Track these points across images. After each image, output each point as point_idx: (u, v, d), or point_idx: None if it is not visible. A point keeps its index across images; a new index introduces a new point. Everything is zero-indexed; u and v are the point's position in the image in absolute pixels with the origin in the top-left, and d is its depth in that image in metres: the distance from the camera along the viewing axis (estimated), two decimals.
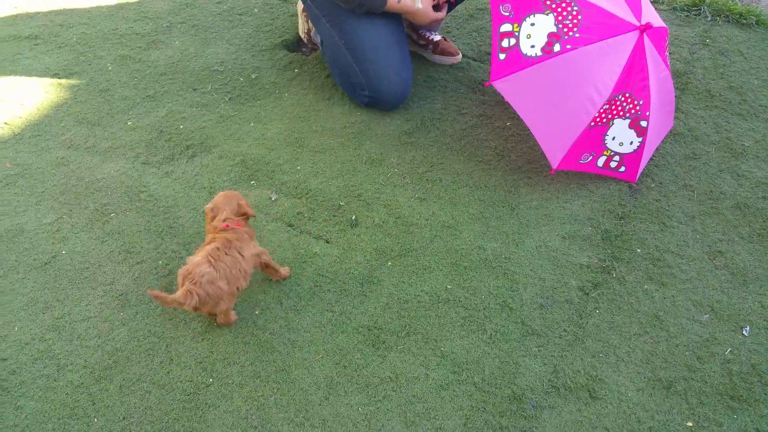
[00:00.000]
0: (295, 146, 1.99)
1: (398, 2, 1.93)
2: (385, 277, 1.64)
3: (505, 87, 1.74)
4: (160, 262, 1.64)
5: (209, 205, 1.47)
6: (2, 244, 1.66)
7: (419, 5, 1.97)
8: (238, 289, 1.42)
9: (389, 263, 1.68)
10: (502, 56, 1.74)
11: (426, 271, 1.66)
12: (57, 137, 1.95)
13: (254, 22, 2.46)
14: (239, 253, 1.41)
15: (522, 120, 1.78)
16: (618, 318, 1.57)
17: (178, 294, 1.32)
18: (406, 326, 1.53)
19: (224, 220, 1.43)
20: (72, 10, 2.43)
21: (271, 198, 1.83)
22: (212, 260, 1.36)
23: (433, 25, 2.24)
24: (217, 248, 1.39)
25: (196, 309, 1.37)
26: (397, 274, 1.65)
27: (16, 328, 1.50)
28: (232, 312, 1.49)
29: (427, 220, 1.79)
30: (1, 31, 2.31)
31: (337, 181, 1.89)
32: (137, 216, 1.75)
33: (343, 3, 1.92)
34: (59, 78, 2.15)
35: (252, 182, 1.87)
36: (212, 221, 1.44)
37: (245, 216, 1.50)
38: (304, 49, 2.34)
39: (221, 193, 1.50)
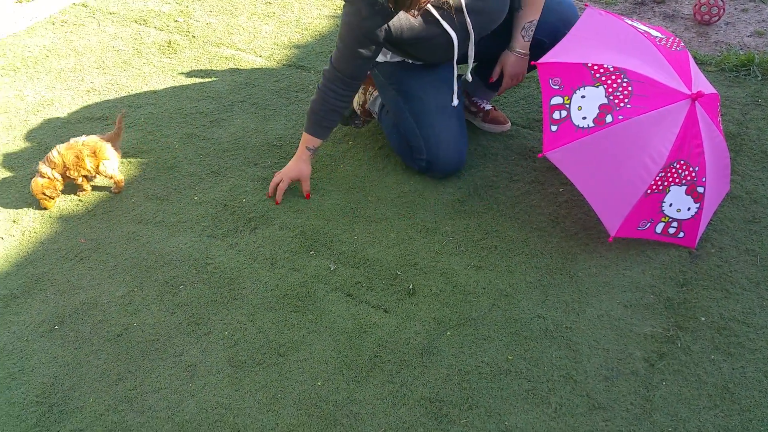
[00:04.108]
0: (351, 216, 2.09)
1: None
2: (444, 347, 1.69)
3: (559, 157, 1.81)
4: (226, 332, 1.73)
5: None
6: (78, 316, 1.79)
7: None
8: None
9: (448, 333, 1.72)
10: (554, 128, 1.83)
11: (486, 341, 1.69)
12: (128, 213, 2.10)
13: (310, 99, 2.62)
14: None
15: (576, 187, 1.84)
16: (686, 390, 1.56)
17: None
18: (468, 399, 1.56)
19: None
20: (139, 93, 2.65)
21: (329, 268, 1.92)
22: None
23: (488, 94, 2.36)
24: None
25: None
26: (456, 344, 1.69)
27: (91, 399, 1.59)
28: None
29: (484, 288, 1.84)
30: (76, 113, 2.54)
31: (393, 250, 1.97)
32: (204, 287, 1.86)
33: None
34: (129, 156, 2.33)
35: (311, 252, 1.97)
36: None
37: None
38: (357, 122, 2.48)
39: None
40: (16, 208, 2.13)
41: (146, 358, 1.68)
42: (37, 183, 2.05)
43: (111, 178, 2.15)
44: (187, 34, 3.01)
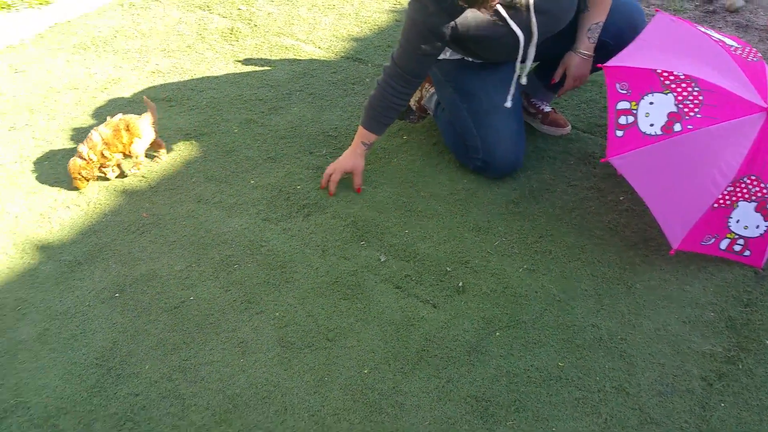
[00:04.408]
0: (403, 210, 2.11)
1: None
2: (493, 347, 1.69)
3: (623, 164, 1.79)
4: (277, 313, 1.77)
5: None
6: (137, 286, 1.85)
7: None
8: None
9: (497, 333, 1.72)
10: (619, 133, 1.81)
11: (536, 346, 1.69)
12: (188, 191, 2.17)
13: (366, 92, 2.66)
14: None
15: (637, 196, 1.81)
16: (746, 414, 1.52)
17: None
18: (515, 401, 1.56)
19: None
20: (202, 77, 2.73)
21: (380, 259, 1.94)
22: None
23: (547, 95, 2.35)
24: None
25: None
26: (505, 346, 1.69)
27: (147, 366, 1.65)
28: None
29: (536, 292, 1.83)
30: (141, 93, 2.63)
31: (444, 247, 1.98)
32: (258, 269, 1.90)
33: None
34: (190, 138, 2.40)
35: (362, 242, 2.00)
36: None
37: None
38: (411, 117, 2.49)
39: None
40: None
41: (201, 331, 1.73)
42: (75, 163, 2.10)
43: (136, 156, 2.18)
44: (249, 22, 3.08)
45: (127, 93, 2.63)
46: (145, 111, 2.23)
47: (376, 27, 3.04)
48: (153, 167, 2.27)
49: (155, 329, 1.74)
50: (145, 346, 1.70)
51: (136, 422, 1.53)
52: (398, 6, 3.19)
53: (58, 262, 1.94)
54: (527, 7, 1.87)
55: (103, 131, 2.13)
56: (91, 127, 2.46)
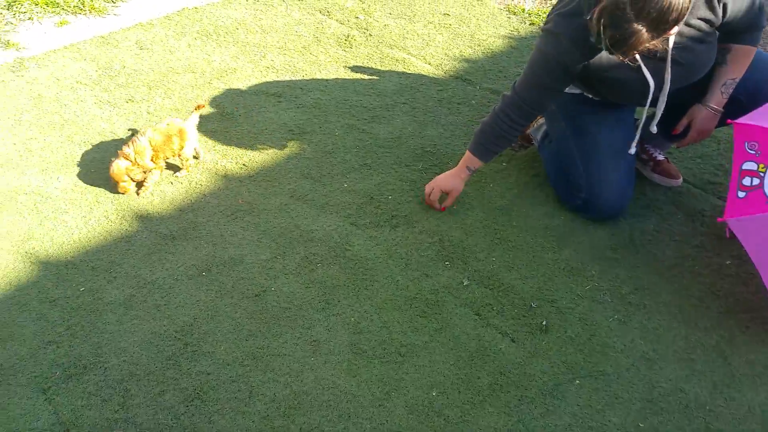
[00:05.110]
0: (492, 237, 2.09)
1: None
2: (571, 395, 1.63)
3: (741, 226, 1.69)
4: (353, 319, 1.79)
5: None
6: (223, 269, 1.92)
7: None
8: None
9: (577, 381, 1.66)
10: (741, 194, 1.71)
11: (617, 401, 1.61)
12: (284, 185, 2.24)
13: (470, 113, 2.66)
14: None
15: (747, 263, 1.71)
16: None
17: None
18: None
19: None
20: (312, 78, 2.82)
21: (463, 282, 1.92)
22: None
23: (663, 144, 2.27)
24: None
25: None
26: (584, 396, 1.62)
27: (222, 348, 1.71)
28: None
29: (624, 345, 1.75)
30: (254, 86, 2.75)
31: (531, 282, 1.93)
32: (339, 271, 1.93)
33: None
34: (293, 134, 2.49)
35: (446, 263, 1.99)
36: None
37: None
38: (513, 145, 2.47)
39: None
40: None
41: (277, 322, 1.77)
42: (119, 166, 2.08)
43: (186, 160, 2.23)
44: (365, 31, 3.16)
45: (241, 84, 2.75)
46: (191, 114, 2.29)
47: (489, 51, 3.05)
48: (254, 157, 2.36)
49: (234, 313, 1.80)
50: (223, 327, 1.76)
51: (203, 400, 1.58)
52: (515, 33, 3.18)
53: (154, 233, 2.04)
54: (664, 56, 1.81)
55: (154, 137, 2.15)
56: (203, 110, 2.59)
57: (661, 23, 1.52)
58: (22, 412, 1.56)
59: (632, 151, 2.03)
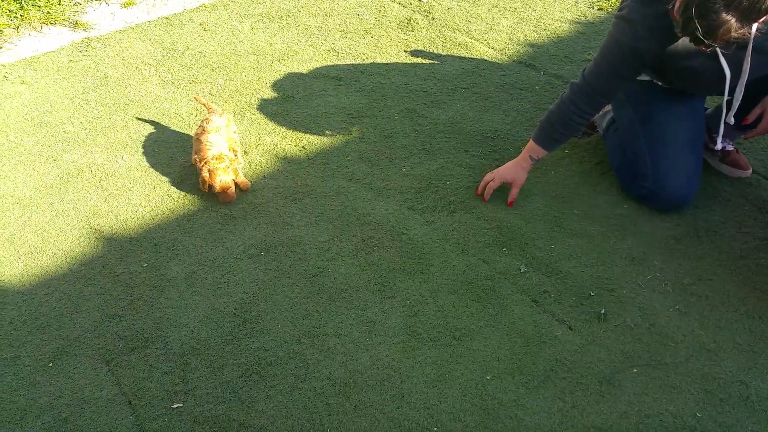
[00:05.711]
0: (552, 224, 2.08)
1: None
2: (627, 383, 1.62)
3: None
4: (408, 302, 1.84)
5: None
6: (282, 249, 2.01)
7: None
8: None
9: (634, 370, 1.65)
10: None
11: (674, 391, 1.60)
12: (342, 168, 2.30)
13: (533, 99, 2.64)
14: None
15: None
16: None
17: None
18: None
19: None
20: (373, 62, 2.86)
21: (520, 269, 1.94)
22: None
23: (733, 134, 2.20)
24: None
25: None
26: (641, 384, 1.62)
27: (279, 326, 1.79)
28: None
29: (684, 336, 1.73)
30: (314, 69, 2.82)
31: (590, 270, 1.93)
32: (396, 254, 1.98)
33: None
34: (352, 118, 2.54)
35: (504, 249, 2.00)
36: None
37: None
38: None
39: None
40: (246, 140, 2.42)
41: (333, 303, 1.84)
42: (225, 180, 2.10)
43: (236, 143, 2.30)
44: (428, 15, 3.17)
45: (301, 67, 2.83)
46: (222, 113, 2.31)
47: (555, 35, 3.01)
48: (313, 140, 2.43)
49: (292, 293, 1.87)
50: (281, 306, 1.84)
51: (261, 375, 1.67)
52: (582, 18, 3.12)
53: (215, 213, 2.14)
54: (745, 44, 1.74)
55: (230, 139, 2.24)
56: (264, 92, 2.67)
57: (753, 13, 1.47)
58: (87, 382, 1.67)
59: (718, 146, 1.98)
